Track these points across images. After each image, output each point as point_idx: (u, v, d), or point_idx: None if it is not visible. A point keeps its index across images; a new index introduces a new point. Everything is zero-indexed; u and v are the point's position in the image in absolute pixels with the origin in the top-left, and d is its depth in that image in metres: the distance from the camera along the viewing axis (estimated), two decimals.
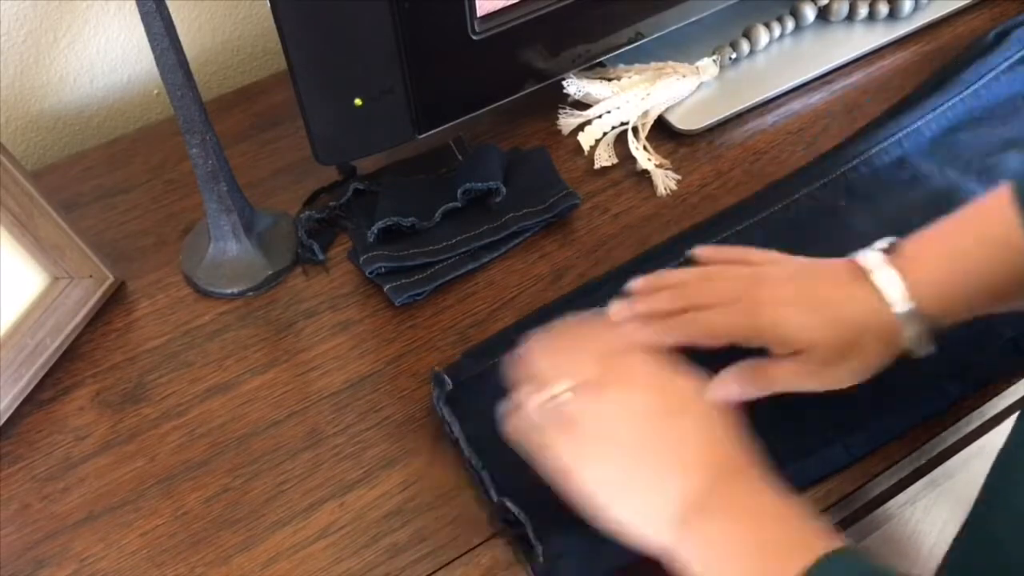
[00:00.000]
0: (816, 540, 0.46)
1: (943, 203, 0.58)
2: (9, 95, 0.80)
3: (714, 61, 0.79)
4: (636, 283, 0.60)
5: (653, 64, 0.79)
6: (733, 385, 0.55)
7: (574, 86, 0.77)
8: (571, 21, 0.72)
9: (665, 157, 0.76)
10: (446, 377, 0.62)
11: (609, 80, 0.79)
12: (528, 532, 0.55)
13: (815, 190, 0.71)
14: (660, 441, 0.52)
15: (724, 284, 0.57)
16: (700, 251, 0.62)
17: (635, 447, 0.52)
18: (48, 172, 0.79)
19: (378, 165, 0.75)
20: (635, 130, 0.77)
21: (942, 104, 0.74)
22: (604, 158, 0.76)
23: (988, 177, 0.69)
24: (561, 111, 0.78)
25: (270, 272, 0.70)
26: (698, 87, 0.79)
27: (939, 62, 0.80)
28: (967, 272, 0.53)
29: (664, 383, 0.54)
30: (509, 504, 0.56)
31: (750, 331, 0.55)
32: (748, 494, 0.50)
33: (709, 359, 0.56)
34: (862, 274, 0.54)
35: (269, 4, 0.61)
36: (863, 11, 0.83)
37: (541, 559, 0.54)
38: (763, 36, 0.81)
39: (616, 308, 0.58)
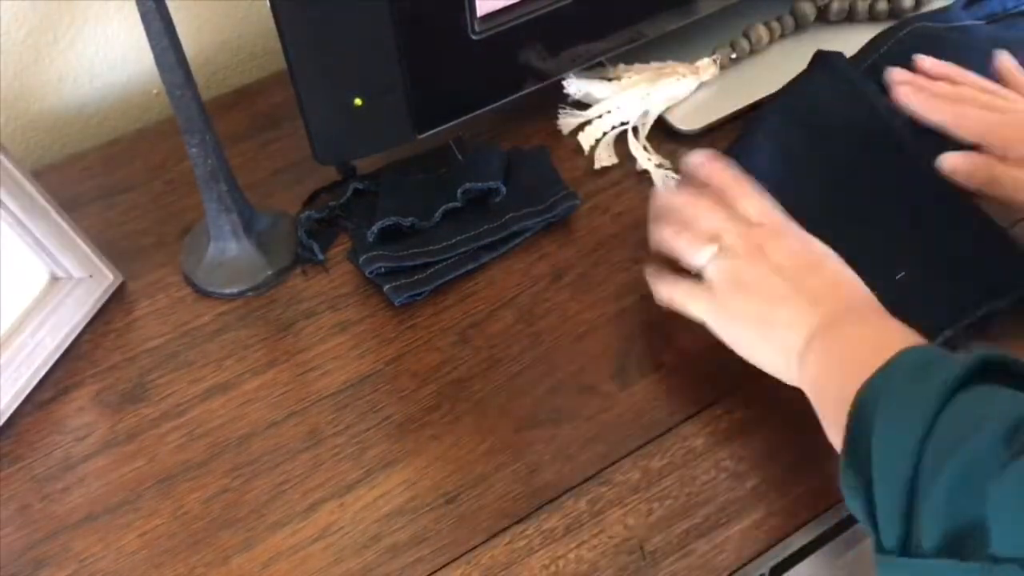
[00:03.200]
0: (904, 341, 0.51)
1: None
2: (9, 95, 0.80)
3: (714, 61, 0.79)
4: (926, 60, 0.72)
5: (653, 64, 0.79)
6: (962, 163, 0.65)
7: (574, 86, 0.77)
8: (571, 21, 0.72)
9: (665, 157, 0.76)
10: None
11: (609, 80, 0.79)
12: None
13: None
14: (793, 294, 0.56)
15: (1000, 99, 0.68)
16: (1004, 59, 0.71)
17: (770, 304, 0.56)
18: (48, 172, 0.79)
19: (378, 165, 0.75)
20: (635, 130, 0.77)
21: None
22: (604, 158, 0.76)
23: None
24: (561, 111, 0.78)
25: (270, 272, 0.70)
26: (698, 87, 0.79)
27: None
28: None
29: (799, 247, 0.58)
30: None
31: (999, 137, 0.64)
32: (862, 323, 0.54)
33: None
34: None
35: (269, 4, 0.61)
36: (863, 11, 0.82)
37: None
38: (763, 36, 0.81)
39: (898, 72, 0.71)
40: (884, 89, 0.74)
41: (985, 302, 0.63)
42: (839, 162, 0.71)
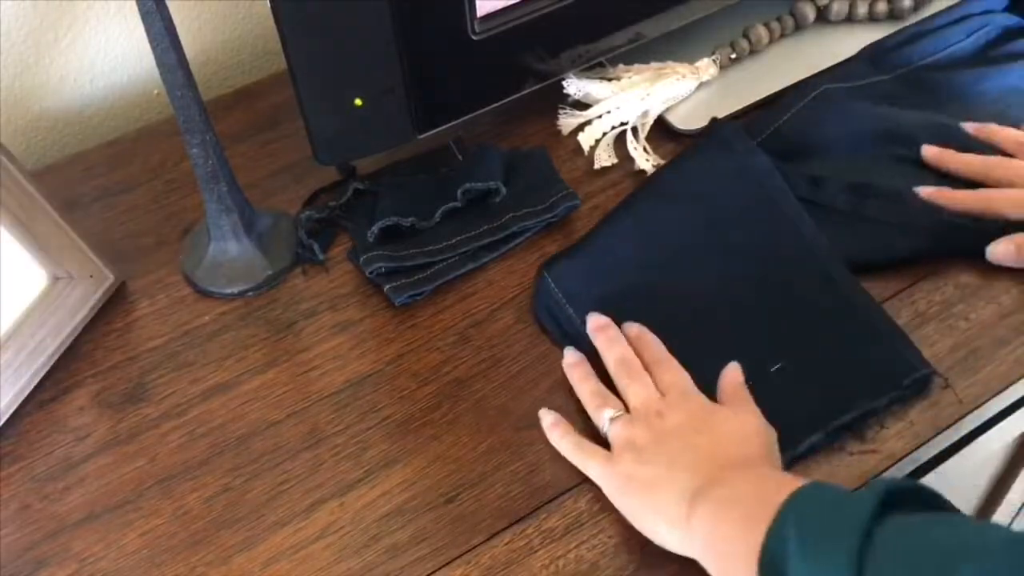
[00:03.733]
0: (793, 484, 0.49)
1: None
2: (9, 95, 0.80)
3: (714, 61, 0.79)
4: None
5: (653, 64, 0.79)
6: (1012, 247, 0.65)
7: (574, 86, 0.77)
8: (571, 21, 0.72)
9: (665, 157, 0.76)
10: None
11: (609, 80, 0.79)
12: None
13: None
14: (680, 455, 0.56)
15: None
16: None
17: (656, 467, 0.56)
18: (48, 172, 0.79)
19: (378, 165, 0.75)
20: (635, 130, 0.77)
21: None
22: (604, 158, 0.76)
23: None
24: (561, 111, 0.78)
25: (270, 272, 0.70)
26: (698, 87, 0.79)
27: None
28: None
29: (698, 411, 0.58)
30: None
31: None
32: (746, 477, 0.53)
33: None
34: None
35: (269, 4, 0.61)
36: (863, 11, 0.83)
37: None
38: (763, 36, 0.81)
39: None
40: (779, 163, 0.71)
41: (861, 402, 0.60)
42: (724, 244, 0.68)
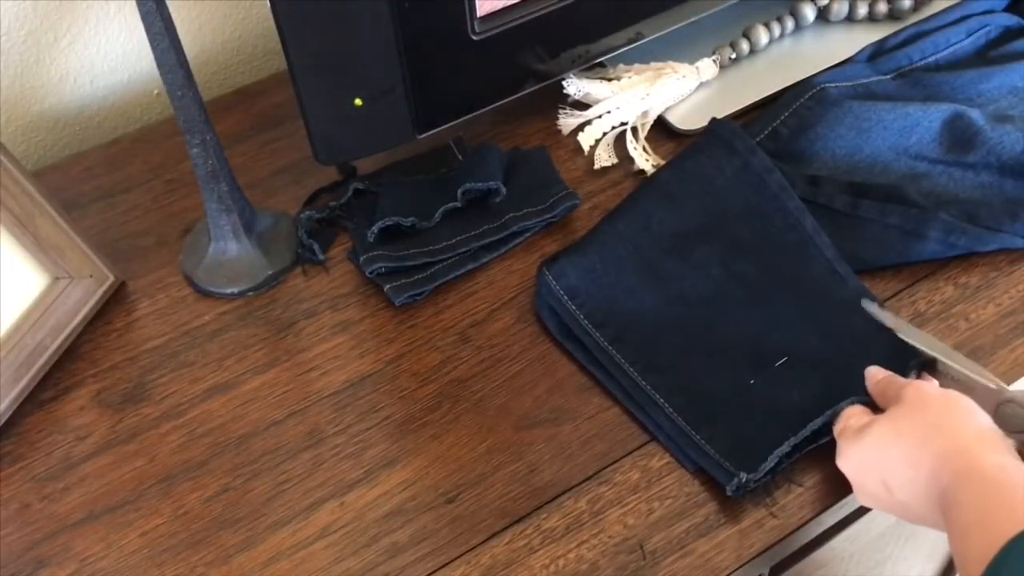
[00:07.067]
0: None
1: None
2: (9, 95, 0.80)
3: (714, 61, 0.79)
4: None
5: (653, 64, 0.79)
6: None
7: (574, 86, 0.77)
8: (571, 21, 0.72)
9: (665, 157, 0.76)
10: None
11: (609, 80, 0.79)
12: None
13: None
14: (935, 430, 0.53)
15: None
16: None
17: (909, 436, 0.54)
18: (48, 172, 0.79)
19: (378, 165, 0.76)
20: (635, 130, 0.77)
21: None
22: (604, 158, 0.76)
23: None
24: (561, 111, 0.78)
25: (270, 272, 0.70)
26: (698, 87, 0.79)
27: None
28: None
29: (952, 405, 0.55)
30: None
31: None
32: (994, 465, 0.51)
33: None
34: None
35: (269, 4, 0.61)
36: (863, 11, 0.83)
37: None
38: (763, 36, 0.81)
39: None
40: (777, 162, 0.71)
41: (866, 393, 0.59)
42: (726, 240, 0.68)
